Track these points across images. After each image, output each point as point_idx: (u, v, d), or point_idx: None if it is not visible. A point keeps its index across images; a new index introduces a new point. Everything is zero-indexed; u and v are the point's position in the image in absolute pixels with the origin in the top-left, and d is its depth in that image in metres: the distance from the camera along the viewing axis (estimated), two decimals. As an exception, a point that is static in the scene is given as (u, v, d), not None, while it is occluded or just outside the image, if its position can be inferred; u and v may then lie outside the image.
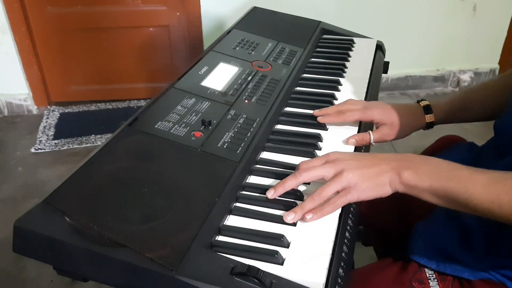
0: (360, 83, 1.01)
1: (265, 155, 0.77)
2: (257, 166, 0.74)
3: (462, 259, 0.69)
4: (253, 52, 1.04)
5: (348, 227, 0.65)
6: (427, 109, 0.85)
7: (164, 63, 2.31)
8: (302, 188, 0.68)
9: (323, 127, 0.84)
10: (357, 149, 0.80)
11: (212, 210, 0.60)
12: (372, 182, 0.64)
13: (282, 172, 0.71)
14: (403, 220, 0.88)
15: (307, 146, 0.78)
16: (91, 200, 0.59)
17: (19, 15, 2.07)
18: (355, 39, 1.22)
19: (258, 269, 0.53)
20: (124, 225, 0.56)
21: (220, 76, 0.92)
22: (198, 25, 2.19)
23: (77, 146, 2.02)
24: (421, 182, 0.62)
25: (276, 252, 0.57)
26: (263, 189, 0.67)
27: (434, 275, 0.69)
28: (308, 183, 0.69)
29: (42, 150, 2.00)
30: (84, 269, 0.56)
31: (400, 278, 0.70)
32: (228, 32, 1.13)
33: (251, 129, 0.78)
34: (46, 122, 2.18)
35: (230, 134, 0.76)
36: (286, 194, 0.66)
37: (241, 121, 0.80)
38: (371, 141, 0.81)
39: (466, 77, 2.53)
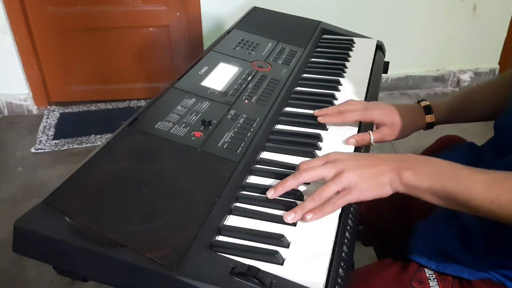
0: (360, 83, 1.01)
1: (265, 155, 0.77)
2: (257, 166, 0.74)
3: (462, 259, 0.69)
4: (253, 52, 1.04)
5: (348, 227, 0.65)
6: (428, 110, 0.85)
7: (164, 63, 2.31)
8: (302, 188, 0.68)
9: (323, 127, 0.84)
10: (357, 149, 0.80)
11: (212, 210, 0.60)
12: (372, 182, 0.64)
13: (282, 172, 0.71)
14: (403, 220, 0.88)
15: (307, 146, 0.78)
16: (91, 200, 0.59)
17: (19, 15, 2.07)
18: (355, 39, 1.22)
19: (258, 269, 0.53)
20: (124, 225, 0.56)
21: (220, 76, 0.92)
22: (198, 25, 2.19)
23: (77, 146, 2.02)
24: (421, 183, 0.62)
25: (276, 252, 0.57)
26: (263, 189, 0.67)
27: (434, 275, 0.69)
28: (308, 183, 0.69)
29: (42, 150, 2.00)
30: (84, 269, 0.56)
31: (400, 278, 0.70)
32: (228, 32, 1.13)
33: (251, 129, 0.78)
34: (46, 122, 2.18)
35: (230, 134, 0.76)
36: (286, 194, 0.66)
37: (241, 121, 0.80)
38: (371, 141, 0.81)
39: (466, 77, 2.53)
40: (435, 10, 2.31)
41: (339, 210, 0.65)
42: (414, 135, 0.87)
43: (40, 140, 2.05)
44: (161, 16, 2.18)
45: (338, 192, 0.64)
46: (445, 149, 0.91)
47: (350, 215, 0.67)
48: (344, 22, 1.40)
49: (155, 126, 0.74)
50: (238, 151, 0.72)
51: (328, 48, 1.17)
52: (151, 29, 2.22)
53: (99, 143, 2.03)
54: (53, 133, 2.10)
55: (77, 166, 0.64)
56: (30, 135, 2.10)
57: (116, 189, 0.61)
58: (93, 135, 2.08)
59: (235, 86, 0.90)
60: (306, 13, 1.32)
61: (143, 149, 0.70)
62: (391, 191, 0.64)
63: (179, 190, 0.62)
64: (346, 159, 0.66)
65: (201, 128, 0.75)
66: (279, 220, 0.63)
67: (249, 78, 0.93)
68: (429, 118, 0.85)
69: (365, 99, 0.96)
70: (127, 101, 2.35)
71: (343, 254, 0.60)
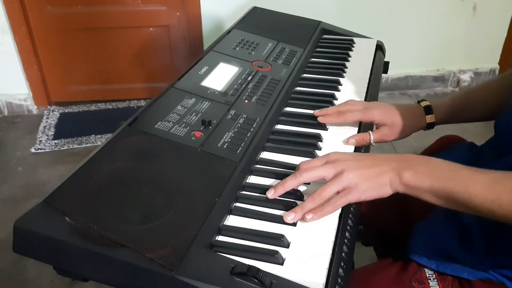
0: (360, 83, 1.01)
1: (265, 155, 0.77)
2: (257, 166, 0.74)
3: (462, 259, 0.69)
4: (253, 52, 1.04)
5: (348, 227, 0.65)
6: (428, 110, 0.85)
7: (164, 63, 2.31)
8: (302, 188, 0.68)
9: (323, 127, 0.84)
10: (357, 149, 0.80)
11: (212, 210, 0.60)
12: (372, 183, 0.64)
13: (282, 172, 0.71)
14: (403, 220, 0.88)
15: (307, 146, 0.78)
16: (91, 200, 0.59)
17: (19, 15, 2.07)
18: (355, 39, 1.22)
19: (258, 269, 0.53)
20: (124, 225, 0.56)
21: (220, 76, 0.92)
22: (198, 25, 2.19)
23: (77, 146, 2.02)
24: (422, 183, 0.62)
25: (276, 252, 0.57)
26: (263, 189, 0.67)
27: (434, 275, 0.69)
28: (308, 183, 0.69)
29: (42, 150, 2.00)
30: (84, 269, 0.56)
31: (400, 278, 0.70)
32: (228, 32, 1.13)
33: (251, 129, 0.78)
34: (46, 122, 2.18)
35: (230, 134, 0.76)
36: (286, 194, 0.66)
37: (241, 121, 0.80)
38: (371, 142, 0.81)
39: (466, 77, 2.53)
40: (435, 10, 2.31)
41: (339, 210, 0.65)
42: (414, 135, 0.87)
43: (40, 140, 2.05)
44: (161, 16, 2.18)
45: (338, 192, 0.64)
46: (445, 149, 0.91)
47: (350, 215, 0.67)
48: (344, 22, 1.40)
49: (155, 126, 0.74)
50: (238, 151, 0.72)
51: (328, 48, 1.17)
52: (151, 29, 2.22)
53: (99, 143, 2.03)
54: (53, 133, 2.10)
55: (77, 166, 0.64)
56: (30, 135, 2.10)
57: (116, 189, 0.61)
58: (93, 135, 2.08)
59: (235, 86, 0.90)
60: (306, 13, 1.32)
61: (143, 149, 0.70)
62: (391, 191, 0.64)
63: (179, 190, 0.62)
64: (346, 159, 0.66)
65: (201, 128, 0.75)
66: (279, 220, 0.63)
67: (249, 78, 0.93)
68: (429, 119, 0.85)
69: (365, 99, 0.96)
70: (127, 101, 2.35)
71: (343, 254, 0.60)
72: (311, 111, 0.87)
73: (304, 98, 0.94)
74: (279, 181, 0.67)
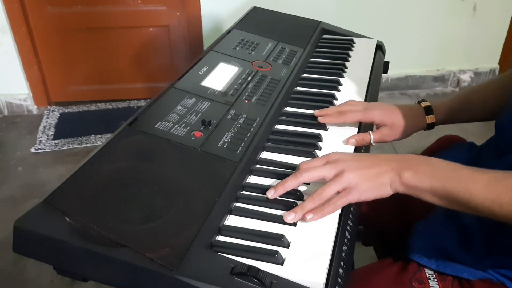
0: (360, 83, 1.01)
1: (265, 155, 0.77)
2: (257, 166, 0.74)
3: (462, 259, 0.69)
4: (253, 52, 1.04)
5: (348, 227, 0.65)
6: (428, 110, 0.85)
7: (164, 63, 2.31)
8: (302, 188, 0.68)
9: (323, 127, 0.84)
10: (357, 149, 0.80)
11: (212, 210, 0.60)
12: (373, 183, 0.64)
13: (282, 172, 0.71)
14: (403, 220, 0.88)
15: (307, 146, 0.78)
16: (91, 200, 0.59)
17: (19, 15, 2.07)
18: (355, 39, 1.22)
19: (258, 269, 0.53)
20: (124, 225, 0.56)
21: (220, 76, 0.92)
22: (198, 25, 2.19)
23: (77, 146, 2.02)
24: (422, 183, 0.62)
25: (276, 252, 0.57)
26: (263, 189, 0.67)
27: (434, 275, 0.69)
28: (308, 183, 0.69)
29: (42, 150, 2.00)
30: (84, 269, 0.56)
31: (400, 278, 0.70)
32: (228, 32, 1.13)
33: (251, 129, 0.78)
34: (46, 122, 2.18)
35: (230, 134, 0.76)
36: (286, 194, 0.66)
37: (241, 121, 0.80)
38: (371, 142, 0.81)
39: (466, 77, 2.53)
40: (435, 10, 2.31)
41: (339, 210, 0.65)
42: (414, 135, 0.87)
43: (40, 140, 2.05)
44: (161, 16, 2.18)
45: (338, 193, 0.64)
46: (445, 149, 0.91)
47: (350, 215, 0.67)
48: (344, 22, 1.40)
49: (155, 126, 0.74)
50: (238, 151, 0.72)
51: (328, 48, 1.17)
52: (151, 29, 2.22)
53: (99, 143, 2.03)
54: (53, 133, 2.10)
55: (77, 166, 0.64)
56: (30, 135, 2.10)
57: (116, 189, 0.61)
58: (93, 135, 2.08)
59: (235, 86, 0.90)
60: (306, 13, 1.32)
61: (143, 149, 0.70)
62: (391, 191, 0.64)
63: (179, 190, 0.62)
64: (346, 160, 0.66)
65: (201, 128, 0.75)
66: (279, 220, 0.63)
67: (249, 78, 0.93)
68: (430, 119, 0.85)
69: (365, 99, 0.96)
70: (127, 101, 2.35)
71: (343, 254, 0.60)
72: (311, 111, 0.87)
73: (304, 98, 0.94)
74: (279, 181, 0.67)
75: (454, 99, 0.88)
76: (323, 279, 0.54)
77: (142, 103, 2.34)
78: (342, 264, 0.59)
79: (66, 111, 2.27)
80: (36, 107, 2.28)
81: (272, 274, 0.54)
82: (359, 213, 0.70)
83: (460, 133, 0.95)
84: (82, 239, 0.54)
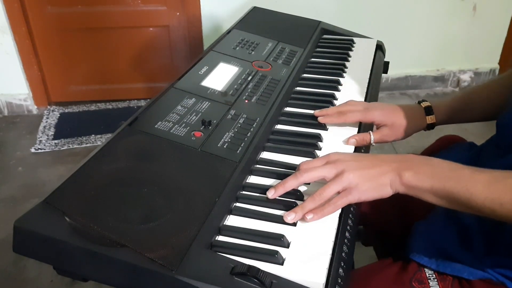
0: (360, 83, 1.01)
1: (265, 155, 0.77)
2: (257, 166, 0.74)
3: (462, 259, 0.69)
4: (253, 52, 1.04)
5: (348, 227, 0.65)
6: (428, 110, 0.85)
7: (164, 63, 2.31)
8: (302, 188, 0.68)
9: (323, 127, 0.84)
10: (357, 149, 0.80)
11: (212, 210, 0.60)
12: (373, 183, 0.63)
13: (282, 172, 0.71)
14: (403, 220, 0.88)
15: (307, 146, 0.78)
16: (91, 200, 0.59)
17: (19, 15, 2.07)
18: (355, 39, 1.21)
19: (258, 269, 0.53)
20: (124, 225, 0.56)
21: (220, 76, 0.92)
22: (198, 25, 2.19)
23: (77, 146, 2.02)
24: (422, 183, 0.62)
25: (276, 252, 0.57)
26: (263, 189, 0.67)
27: (434, 275, 0.69)
28: (309, 184, 0.69)
29: (42, 150, 2.00)
30: (84, 269, 0.56)
31: (400, 278, 0.70)
32: (228, 32, 1.13)
33: (251, 129, 0.78)
34: (46, 122, 2.18)
35: (230, 134, 0.75)
36: (287, 194, 0.66)
37: (241, 121, 0.80)
38: (371, 142, 0.81)
39: (466, 77, 2.53)
40: (435, 10, 2.31)
41: (339, 210, 0.65)
42: (414, 135, 0.87)
43: (40, 140, 2.05)
44: (161, 16, 2.18)
45: (338, 193, 0.64)
46: (445, 149, 0.91)
47: (350, 215, 0.67)
48: (344, 22, 1.40)
49: (155, 126, 0.74)
50: (238, 151, 0.72)
51: (328, 48, 1.17)
52: (151, 29, 2.22)
53: (99, 143, 2.03)
54: (53, 133, 2.10)
55: (77, 166, 0.64)
56: (30, 135, 2.10)
57: (116, 189, 0.61)
58: (93, 135, 2.08)
59: (235, 86, 0.90)
60: (306, 13, 1.32)
61: (143, 149, 0.70)
62: (391, 191, 0.64)
63: (179, 190, 0.62)
64: (346, 160, 0.66)
65: (201, 128, 0.75)
66: (279, 220, 0.63)
67: (249, 78, 0.93)
68: (430, 119, 0.85)
69: (365, 99, 0.96)
70: (127, 101, 2.35)
71: (343, 254, 0.60)
72: (311, 111, 0.87)
73: (304, 98, 0.94)
74: (279, 181, 0.67)
75: (454, 99, 0.88)
76: (323, 279, 0.54)
77: (142, 103, 2.34)
78: (342, 264, 0.59)
79: (66, 111, 2.27)
80: (36, 107, 2.28)
81: (272, 274, 0.54)
82: (359, 213, 0.70)
83: (460, 133, 0.95)
84: (82, 239, 0.54)
